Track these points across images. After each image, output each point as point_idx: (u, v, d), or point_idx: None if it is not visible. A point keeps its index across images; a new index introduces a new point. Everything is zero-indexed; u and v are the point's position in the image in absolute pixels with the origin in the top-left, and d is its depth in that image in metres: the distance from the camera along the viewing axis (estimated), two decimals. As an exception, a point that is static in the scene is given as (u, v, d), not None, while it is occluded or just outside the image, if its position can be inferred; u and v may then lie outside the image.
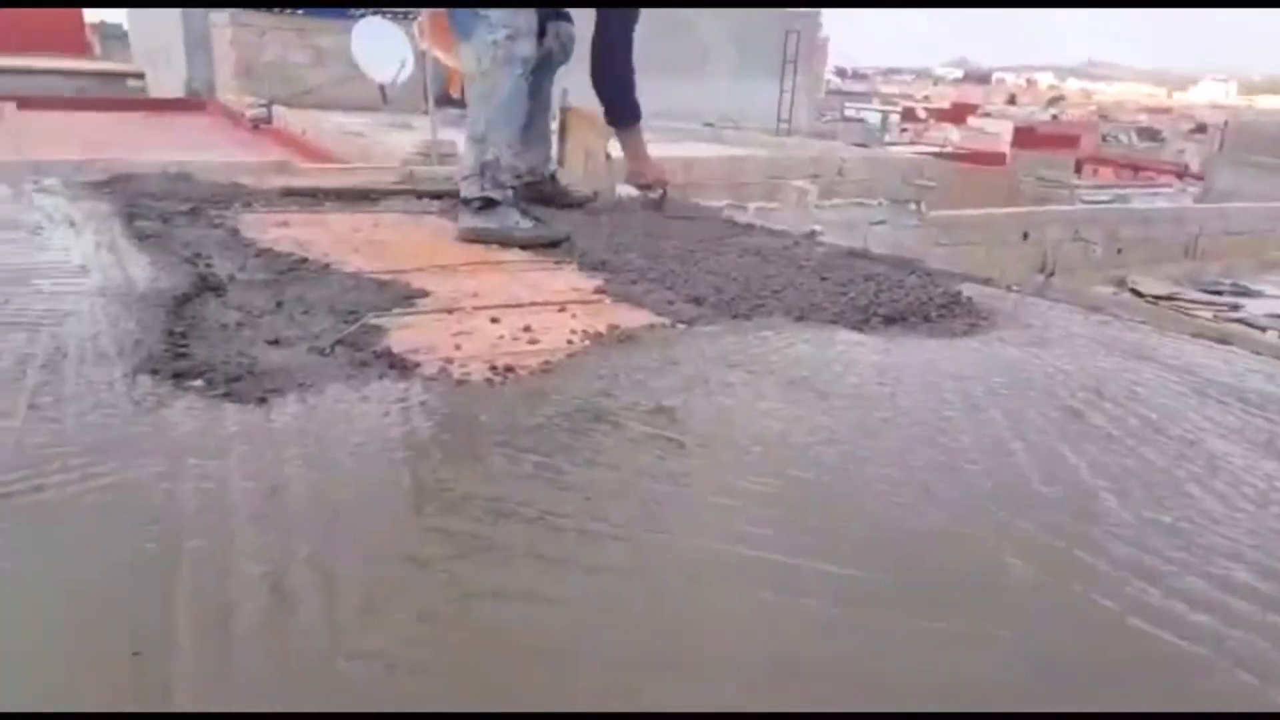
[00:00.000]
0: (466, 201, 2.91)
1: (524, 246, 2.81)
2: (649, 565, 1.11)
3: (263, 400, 1.52)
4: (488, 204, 2.87)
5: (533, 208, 3.09)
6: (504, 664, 0.93)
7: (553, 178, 3.48)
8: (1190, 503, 1.34)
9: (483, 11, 2.83)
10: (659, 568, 1.11)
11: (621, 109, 3.38)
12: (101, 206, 2.85)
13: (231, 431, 1.39)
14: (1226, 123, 16.91)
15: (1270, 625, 1.05)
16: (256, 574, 1.04)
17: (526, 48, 2.88)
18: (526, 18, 2.88)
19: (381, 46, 8.46)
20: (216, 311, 1.99)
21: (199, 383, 1.58)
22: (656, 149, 3.64)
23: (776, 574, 1.11)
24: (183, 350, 1.73)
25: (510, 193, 2.91)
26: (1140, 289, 8.78)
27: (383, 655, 0.93)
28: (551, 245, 2.83)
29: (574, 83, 3.66)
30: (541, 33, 3.00)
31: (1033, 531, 1.23)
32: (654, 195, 3.58)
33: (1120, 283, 9.02)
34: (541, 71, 3.13)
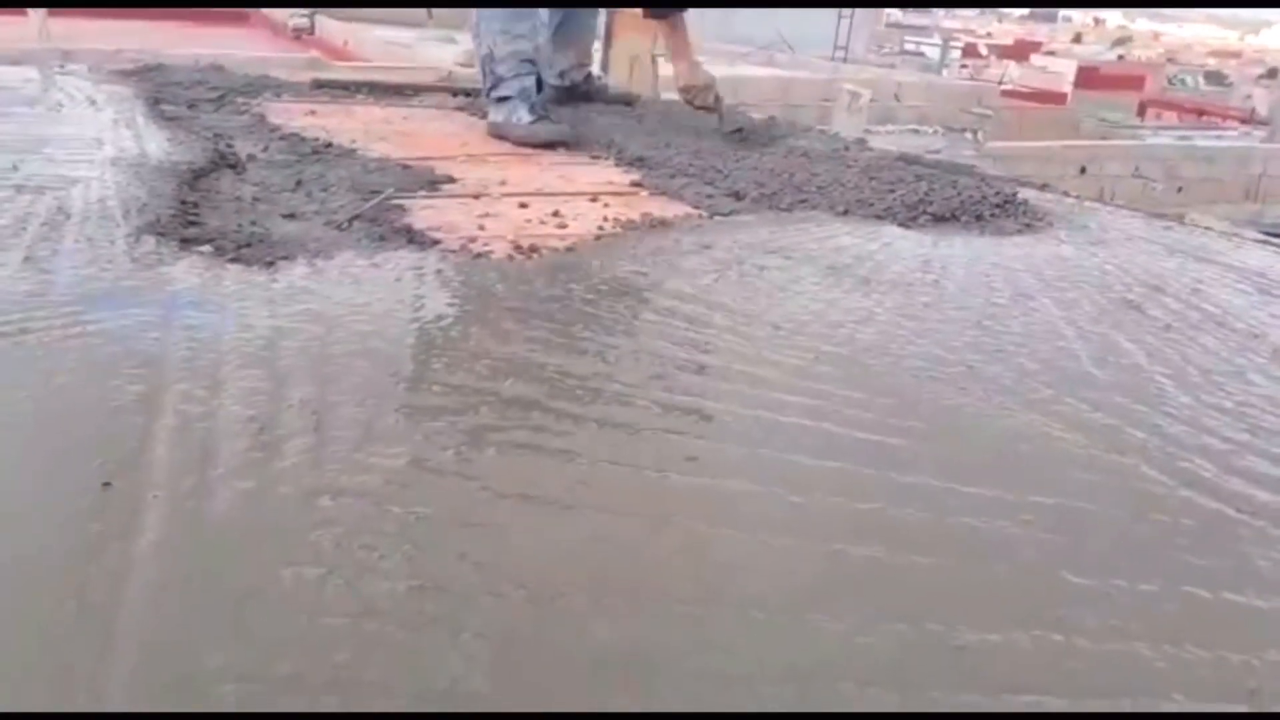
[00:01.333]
0: (488, 96, 2.80)
1: (519, 143, 2.66)
2: (663, 425, 1.04)
3: (270, 264, 1.46)
4: (503, 99, 2.74)
5: (558, 108, 2.95)
6: (498, 510, 0.86)
7: (588, 78, 3.27)
8: (1254, 389, 1.23)
9: None
10: (674, 427, 1.03)
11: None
12: (126, 90, 2.79)
13: (232, 289, 1.33)
14: (1299, 63, 16.11)
15: (1344, 504, 0.95)
16: (243, 416, 0.98)
17: None
18: None
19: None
20: (233, 186, 1.92)
21: (207, 248, 1.52)
22: (709, 70, 3.21)
23: (801, 437, 1.03)
24: (193, 218, 1.67)
25: (516, 84, 2.72)
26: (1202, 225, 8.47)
27: (371, 494, 0.86)
28: (550, 146, 2.65)
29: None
30: None
31: (1082, 409, 1.13)
32: (704, 104, 2.95)
33: (1178, 220, 8.68)
34: None
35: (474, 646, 0.69)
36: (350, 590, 0.73)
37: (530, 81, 2.74)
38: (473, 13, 2.76)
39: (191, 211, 1.70)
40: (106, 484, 0.85)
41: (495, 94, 2.74)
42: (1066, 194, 2.46)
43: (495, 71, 2.71)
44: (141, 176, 1.84)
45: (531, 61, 2.76)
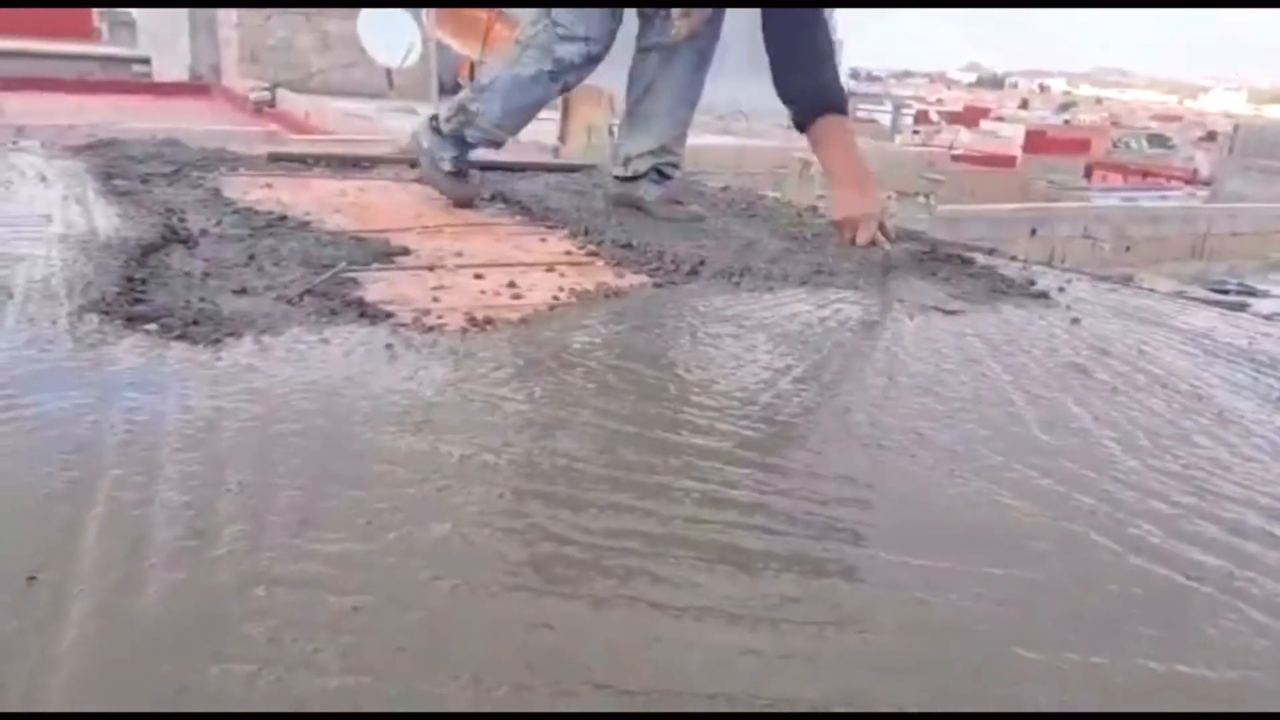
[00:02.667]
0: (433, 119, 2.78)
1: (428, 184, 2.72)
2: (610, 500, 1.02)
3: (216, 342, 1.44)
4: (441, 133, 2.72)
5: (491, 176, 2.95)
6: (439, 595, 0.84)
7: (661, 172, 2.76)
8: (1200, 451, 1.25)
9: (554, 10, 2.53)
10: (621, 503, 1.02)
11: (800, 102, 2.36)
12: (78, 166, 2.77)
13: (175, 368, 1.31)
14: (1236, 127, 16.74)
15: (1288, 568, 0.95)
16: (179, 502, 0.95)
17: (570, 51, 2.53)
18: (591, 25, 2.49)
19: (389, 31, 8.38)
20: (183, 261, 1.90)
21: (153, 326, 1.50)
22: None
23: (751, 511, 1.02)
24: (140, 295, 1.64)
25: (466, 147, 2.73)
26: (1147, 287, 8.66)
27: (308, 582, 0.84)
28: (456, 201, 2.69)
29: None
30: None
31: (1030, 475, 1.14)
32: (868, 246, 2.25)
33: (1127, 280, 8.88)
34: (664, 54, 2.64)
35: (409, 743, 0.66)
36: (281, 687, 0.70)
37: (473, 147, 2.74)
38: (488, 76, 2.69)
39: (139, 288, 1.68)
40: (31, 578, 0.81)
41: (437, 124, 2.71)
42: (1014, 258, 2.51)
43: (459, 128, 2.67)
44: (89, 253, 1.82)
45: (496, 144, 2.76)
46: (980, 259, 2.41)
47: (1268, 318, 2.01)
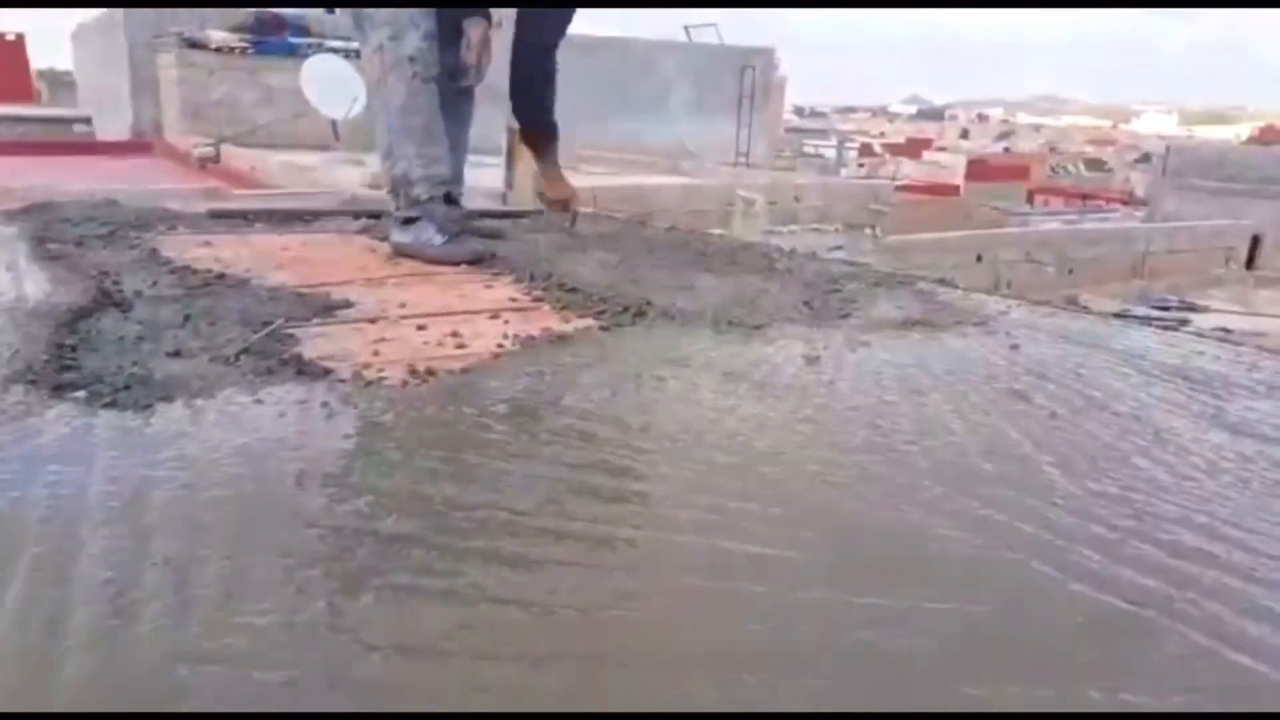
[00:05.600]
0: (394, 216, 2.80)
1: (432, 263, 2.66)
2: (552, 555, 1.00)
3: (147, 407, 1.40)
4: (409, 220, 2.76)
5: (464, 223, 2.95)
6: (369, 665, 0.81)
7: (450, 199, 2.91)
8: (1137, 473, 1.26)
9: (367, 12, 2.67)
10: (563, 557, 1.00)
11: (534, 126, 3.17)
12: (10, 231, 2.72)
13: (103, 438, 1.27)
14: (1168, 148, 17.26)
15: (1223, 587, 0.96)
16: (101, 579, 0.91)
17: (412, 44, 2.65)
18: (412, 14, 2.65)
19: (332, 83, 8.37)
20: (115, 325, 1.86)
21: (81, 394, 1.46)
22: (617, 180, 3.40)
23: (693, 556, 1.01)
24: (70, 362, 1.60)
25: (430, 206, 2.74)
26: (1091, 307, 8.85)
27: (234, 658, 0.81)
28: (469, 263, 2.66)
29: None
30: (458, 34, 2.78)
31: (972, 505, 1.14)
32: (562, 215, 3.36)
33: (1072, 301, 9.06)
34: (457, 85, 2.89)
35: (336, 824, 0.64)
36: (201, 771, 0.67)
37: (440, 203, 2.76)
38: (383, 134, 2.76)
39: (68, 356, 1.63)
40: (-61, 668, 0.78)
41: (401, 214, 2.75)
42: (954, 286, 2.54)
43: (411, 194, 2.72)
44: (16, 321, 1.78)
45: (445, 183, 2.79)
46: (923, 286, 2.44)
47: (1200, 336, 2.05)
